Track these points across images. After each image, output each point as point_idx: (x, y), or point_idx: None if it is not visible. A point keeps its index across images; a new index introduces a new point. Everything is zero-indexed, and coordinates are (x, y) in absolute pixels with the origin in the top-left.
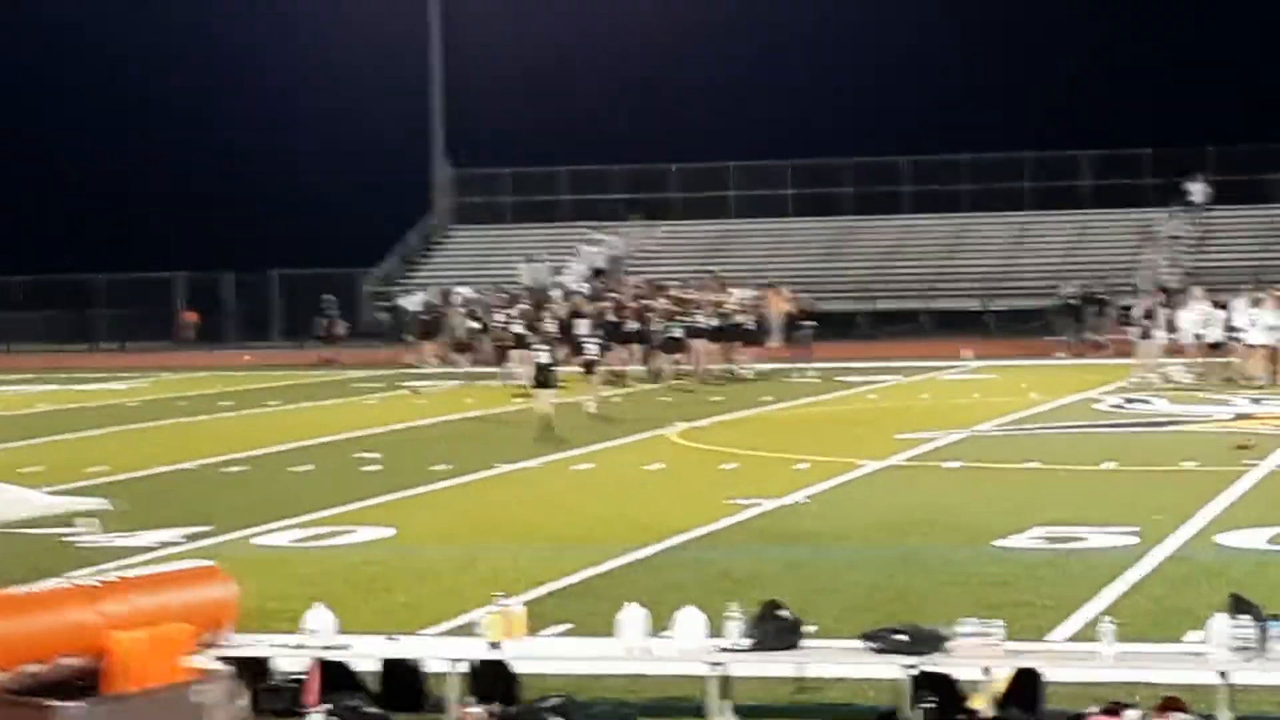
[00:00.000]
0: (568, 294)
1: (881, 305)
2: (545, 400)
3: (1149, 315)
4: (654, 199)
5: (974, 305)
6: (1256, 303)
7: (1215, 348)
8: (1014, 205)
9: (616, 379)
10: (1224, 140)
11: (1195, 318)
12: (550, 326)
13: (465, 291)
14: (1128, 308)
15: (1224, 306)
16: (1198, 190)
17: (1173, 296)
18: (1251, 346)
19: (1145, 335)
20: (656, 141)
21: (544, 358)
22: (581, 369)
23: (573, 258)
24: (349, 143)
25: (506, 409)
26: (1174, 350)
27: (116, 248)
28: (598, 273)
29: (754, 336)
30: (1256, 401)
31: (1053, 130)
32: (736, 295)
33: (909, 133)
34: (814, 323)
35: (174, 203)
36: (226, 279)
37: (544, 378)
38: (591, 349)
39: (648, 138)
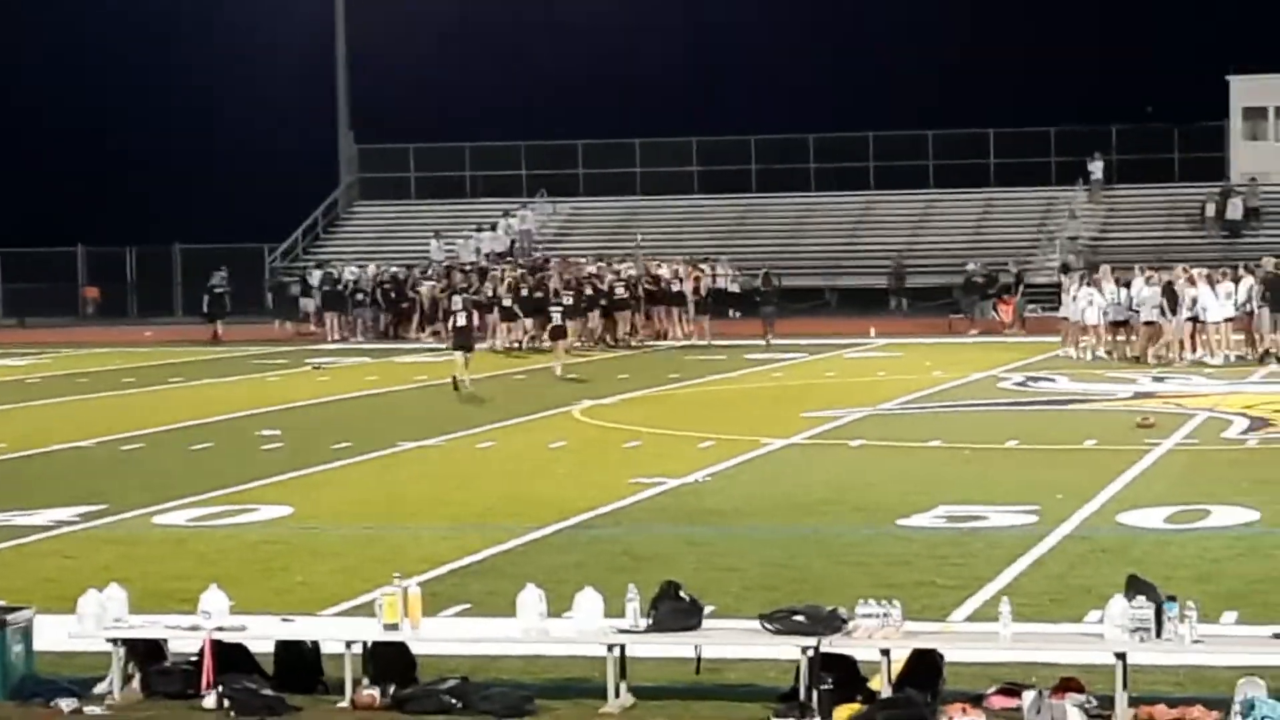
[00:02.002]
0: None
1: (787, 282)
2: (465, 361)
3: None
4: (560, 175)
5: (880, 283)
6: (1149, 280)
7: (1119, 325)
8: (919, 183)
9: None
10: (1128, 119)
11: (1101, 296)
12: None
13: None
14: (1031, 286)
15: (1127, 285)
16: (1097, 169)
17: (1077, 274)
18: (1147, 324)
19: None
20: (561, 118)
21: (463, 320)
22: (548, 337)
23: (479, 233)
24: (253, 118)
25: (409, 385)
26: (1079, 329)
27: (16, 222)
28: (509, 248)
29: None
30: (1158, 380)
31: (958, 108)
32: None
33: (815, 110)
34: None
35: (76, 177)
36: (129, 254)
37: (464, 340)
38: (556, 317)
39: (553, 114)
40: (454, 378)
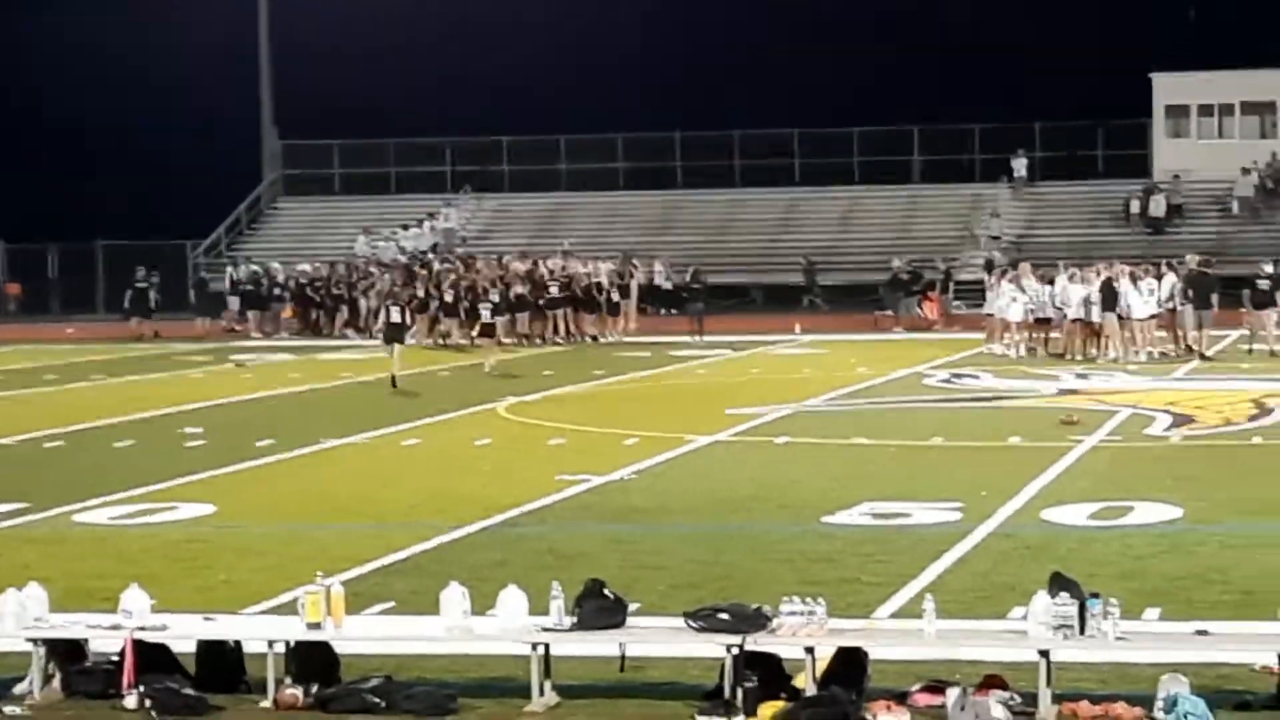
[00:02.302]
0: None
1: (713, 279)
2: (397, 355)
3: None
4: (484, 172)
5: (804, 280)
6: (1072, 278)
7: (1042, 323)
8: (844, 180)
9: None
10: (1051, 116)
11: (1023, 293)
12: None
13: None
14: (959, 283)
15: (1051, 282)
16: (1020, 166)
17: (999, 271)
18: (1075, 321)
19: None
20: (486, 115)
21: (395, 317)
22: (477, 334)
23: (404, 230)
24: (176, 113)
25: (334, 383)
26: (1004, 326)
27: None
28: (433, 247)
29: (614, 308)
30: (1081, 377)
31: (882, 106)
32: (595, 268)
33: (739, 107)
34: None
35: None
36: (51, 250)
37: (395, 334)
38: (486, 314)
39: (477, 111)
40: (392, 375)
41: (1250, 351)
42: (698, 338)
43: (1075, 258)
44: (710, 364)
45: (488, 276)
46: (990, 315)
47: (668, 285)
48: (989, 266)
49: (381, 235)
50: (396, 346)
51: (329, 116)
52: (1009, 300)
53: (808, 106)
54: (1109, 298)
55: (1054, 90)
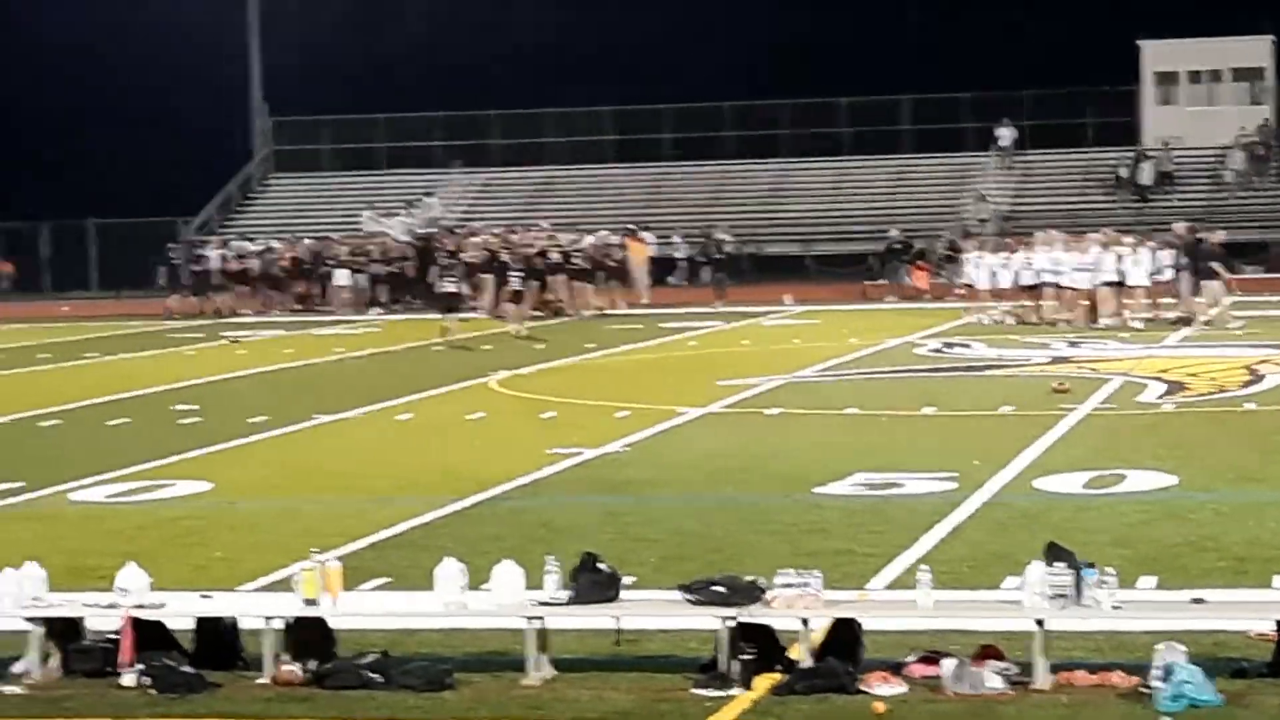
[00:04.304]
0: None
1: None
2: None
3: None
4: (473, 145)
5: (796, 250)
6: (1070, 247)
7: (1030, 290)
8: (834, 150)
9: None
10: (1040, 84)
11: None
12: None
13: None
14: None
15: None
16: (1006, 135)
17: (981, 240)
18: (1070, 290)
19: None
20: (475, 88)
21: (451, 287)
22: (508, 300)
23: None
24: (167, 90)
25: (326, 358)
26: (987, 295)
27: None
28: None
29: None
30: (1073, 345)
31: (872, 75)
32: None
33: (729, 78)
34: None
35: None
36: (43, 228)
37: (452, 303)
38: (516, 282)
39: (467, 84)
40: (443, 327)
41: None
42: (720, 304)
43: (1064, 226)
44: (701, 335)
45: (515, 245)
46: (970, 285)
47: (680, 255)
48: (965, 235)
49: (385, 211)
50: (454, 316)
51: (318, 92)
52: (988, 269)
53: (798, 77)
54: (1106, 266)
55: (1042, 58)
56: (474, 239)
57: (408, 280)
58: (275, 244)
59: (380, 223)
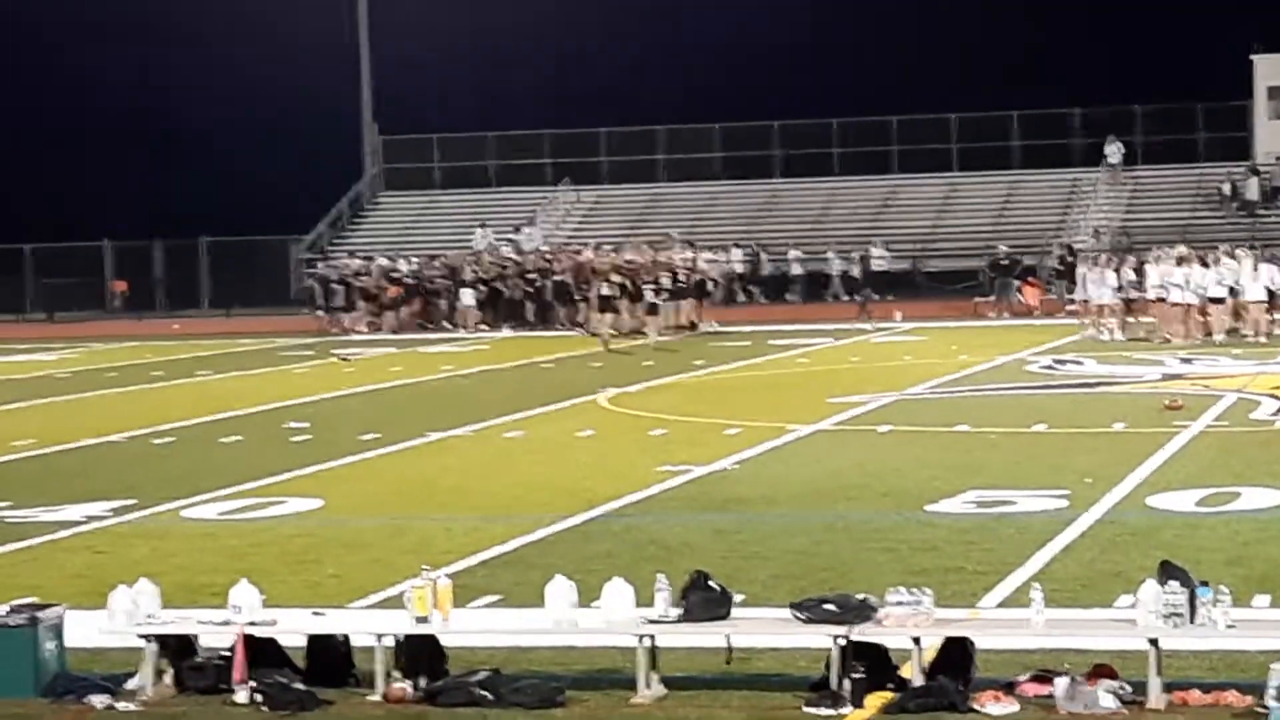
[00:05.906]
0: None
1: (811, 267)
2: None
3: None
4: (582, 163)
5: (904, 266)
6: (1180, 261)
7: (1144, 305)
8: (943, 166)
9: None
10: (1151, 99)
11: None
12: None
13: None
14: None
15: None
16: (1114, 152)
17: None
18: (1175, 305)
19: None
20: (584, 106)
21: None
22: (644, 314)
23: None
24: (279, 110)
25: (436, 376)
26: (1097, 310)
27: (44, 217)
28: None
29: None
30: (1186, 361)
31: (981, 91)
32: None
33: (839, 95)
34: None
35: (103, 170)
36: (156, 247)
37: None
38: (650, 294)
39: (575, 102)
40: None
41: None
42: (867, 320)
43: (1175, 243)
44: (810, 352)
45: (648, 263)
46: (1085, 300)
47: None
48: (1071, 252)
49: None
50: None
51: (428, 111)
52: (1102, 285)
53: (906, 94)
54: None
55: (1154, 73)
56: (610, 256)
57: (527, 300)
58: (403, 263)
59: (489, 239)
